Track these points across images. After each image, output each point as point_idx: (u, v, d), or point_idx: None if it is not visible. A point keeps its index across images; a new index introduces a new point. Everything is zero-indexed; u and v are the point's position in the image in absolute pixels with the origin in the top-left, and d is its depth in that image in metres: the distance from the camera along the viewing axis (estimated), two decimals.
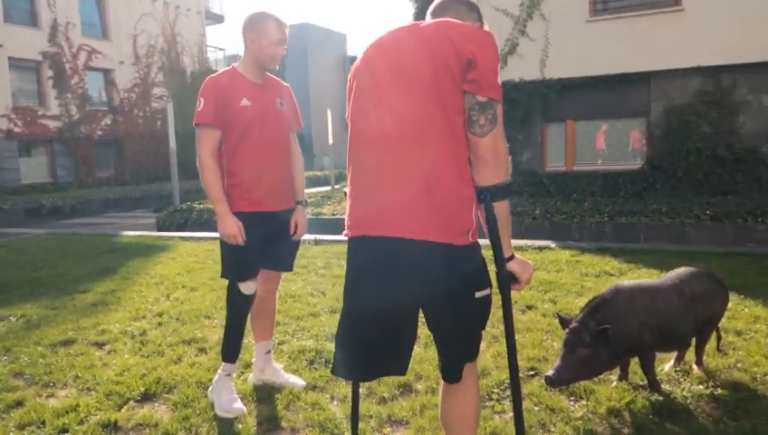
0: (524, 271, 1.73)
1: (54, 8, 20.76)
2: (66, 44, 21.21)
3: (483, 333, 1.81)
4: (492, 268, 1.75)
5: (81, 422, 2.70)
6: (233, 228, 2.72)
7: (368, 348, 1.78)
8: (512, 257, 1.72)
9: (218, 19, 30.58)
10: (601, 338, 2.47)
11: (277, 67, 2.83)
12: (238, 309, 2.88)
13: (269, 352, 3.13)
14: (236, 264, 2.83)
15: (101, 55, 22.33)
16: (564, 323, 2.63)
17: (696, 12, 9.93)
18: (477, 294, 1.72)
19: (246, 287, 2.84)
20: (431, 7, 1.90)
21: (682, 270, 2.94)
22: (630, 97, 10.73)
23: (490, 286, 1.76)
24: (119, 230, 10.43)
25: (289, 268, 3.10)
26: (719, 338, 3.06)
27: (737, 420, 2.47)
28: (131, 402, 2.91)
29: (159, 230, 10.64)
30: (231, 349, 2.90)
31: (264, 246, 2.86)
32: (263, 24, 2.73)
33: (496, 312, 1.82)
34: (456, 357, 1.77)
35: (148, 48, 24.11)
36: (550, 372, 2.46)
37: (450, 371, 1.79)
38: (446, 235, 1.63)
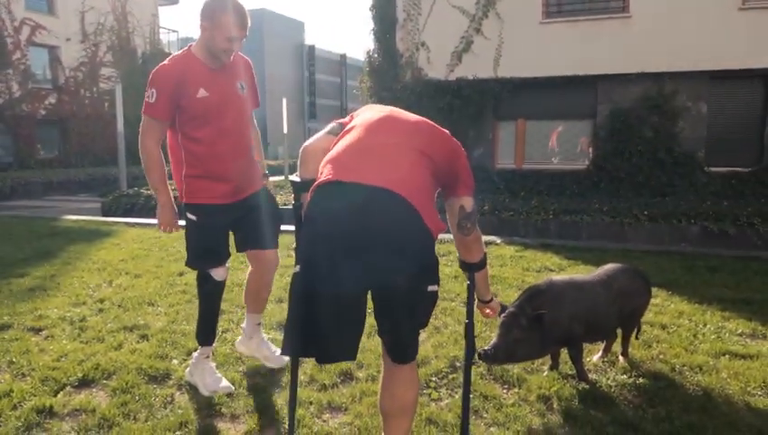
0: (496, 308, 2.47)
1: None
2: (8, 18, 20.20)
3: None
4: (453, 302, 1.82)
5: (14, 408, 2.66)
6: (168, 217, 2.73)
7: (323, 326, 1.75)
8: (491, 300, 2.40)
9: (172, 0, 29.75)
10: (536, 322, 2.61)
11: (228, 60, 2.68)
12: (208, 295, 2.89)
13: (260, 323, 3.16)
14: (203, 252, 2.82)
15: (46, 31, 21.36)
16: (502, 310, 2.74)
17: (642, 20, 10.33)
18: (429, 288, 1.80)
19: (216, 274, 2.85)
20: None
21: (610, 266, 3.12)
22: (578, 99, 11.09)
23: (438, 284, 1.86)
24: (61, 214, 10.10)
25: (272, 245, 2.99)
26: (638, 330, 3.25)
27: (654, 407, 2.65)
28: (68, 388, 2.88)
29: (104, 215, 10.36)
30: (206, 333, 2.93)
31: (237, 230, 2.90)
32: (220, 17, 2.53)
33: (440, 303, 1.91)
34: (404, 338, 1.85)
35: (97, 26, 23.19)
36: (486, 348, 2.58)
37: (399, 350, 1.86)
38: (426, 216, 1.74)
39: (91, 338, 3.57)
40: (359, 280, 1.71)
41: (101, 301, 4.37)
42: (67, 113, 22.19)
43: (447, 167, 1.94)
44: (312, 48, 45.62)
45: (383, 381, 1.94)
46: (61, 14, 22.15)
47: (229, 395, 2.79)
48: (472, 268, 2.16)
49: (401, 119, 1.98)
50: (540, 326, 2.61)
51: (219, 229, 2.83)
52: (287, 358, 2.92)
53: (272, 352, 3.13)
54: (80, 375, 2.98)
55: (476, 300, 2.36)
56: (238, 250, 3.03)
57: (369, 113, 2.02)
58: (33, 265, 5.56)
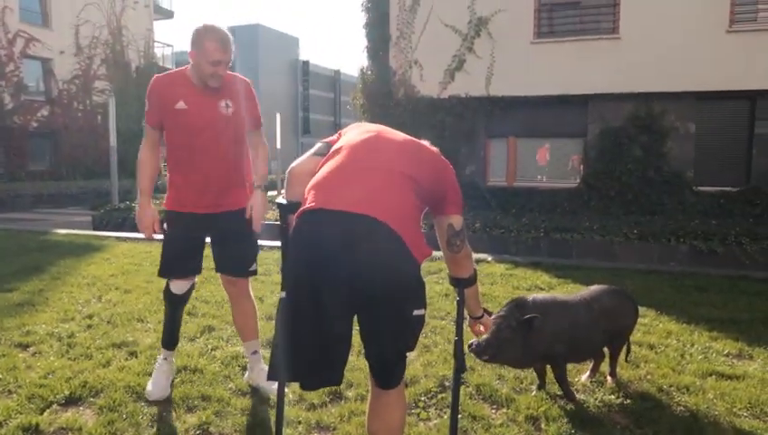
0: (488, 324, 2.51)
1: None
2: (2, 30, 20.26)
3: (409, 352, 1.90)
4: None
5: (0, 426, 2.63)
6: (144, 221, 2.85)
7: (308, 353, 1.78)
8: (482, 315, 2.41)
9: (167, 14, 29.93)
10: (527, 325, 2.66)
11: (218, 85, 2.80)
12: (169, 304, 3.05)
13: (255, 352, 3.15)
14: (163, 261, 2.97)
15: (40, 43, 21.42)
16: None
17: (631, 41, 10.51)
18: (415, 312, 1.80)
19: (174, 286, 2.97)
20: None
21: (594, 287, 3.15)
22: (569, 118, 11.23)
23: (425, 309, 1.87)
24: (51, 227, 10.05)
25: (241, 273, 3.05)
26: (629, 351, 3.27)
27: (642, 428, 2.66)
28: (55, 406, 2.86)
29: (95, 229, 10.33)
30: (166, 337, 3.10)
31: (213, 249, 2.99)
32: (203, 42, 2.70)
33: (429, 322, 1.92)
34: (389, 363, 1.85)
35: (92, 39, 23.32)
36: (476, 341, 2.61)
37: (384, 375, 1.86)
38: (410, 241, 1.74)
39: (79, 355, 3.54)
40: (343, 306, 1.74)
41: (90, 317, 4.35)
42: (59, 126, 22.18)
43: (434, 186, 1.94)
44: (306, 64, 45.89)
45: (370, 404, 1.94)
46: (55, 26, 22.25)
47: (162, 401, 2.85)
48: (461, 284, 2.15)
49: (387, 139, 1.98)
50: (528, 331, 2.66)
51: (184, 239, 2.91)
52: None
53: (263, 385, 3.06)
54: (67, 393, 2.96)
55: (468, 317, 2.37)
56: (216, 271, 3.11)
57: (356, 133, 2.01)
58: (22, 280, 5.52)
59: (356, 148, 1.92)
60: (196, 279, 3.14)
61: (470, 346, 2.59)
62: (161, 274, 3.01)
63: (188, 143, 2.82)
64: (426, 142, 2.09)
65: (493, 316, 2.69)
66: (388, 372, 1.86)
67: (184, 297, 3.03)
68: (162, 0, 29.53)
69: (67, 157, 22.28)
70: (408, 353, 1.89)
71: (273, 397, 2.99)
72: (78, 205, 16.45)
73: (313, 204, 1.78)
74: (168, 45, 30.67)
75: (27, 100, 21.27)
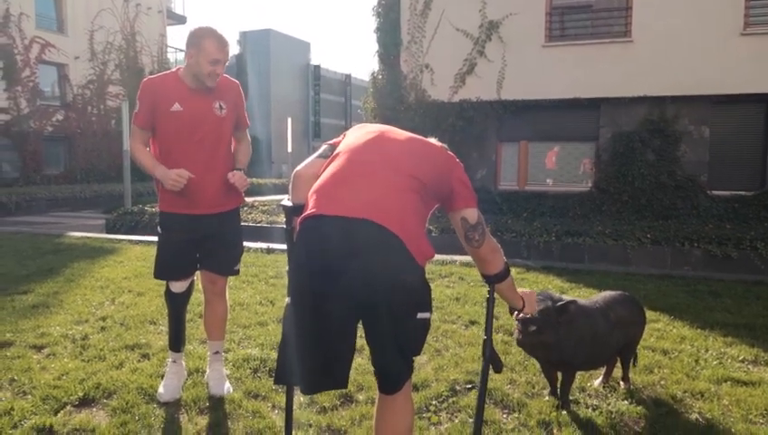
0: (532, 304, 2.33)
1: None
2: (18, 36, 20.50)
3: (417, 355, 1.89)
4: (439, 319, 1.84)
5: (14, 426, 2.66)
6: (171, 174, 2.76)
7: (313, 357, 1.80)
8: (524, 305, 2.25)
9: (180, 20, 30.14)
10: (563, 310, 2.64)
11: (214, 85, 2.83)
12: (170, 304, 3.07)
13: (216, 352, 3.16)
14: (163, 262, 2.99)
15: (55, 49, 21.67)
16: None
17: (643, 44, 10.44)
18: (419, 315, 1.80)
19: (173, 286, 3.01)
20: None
21: (607, 294, 3.12)
22: (581, 122, 11.17)
23: (431, 312, 1.86)
24: (65, 230, 10.15)
25: (225, 272, 3.09)
26: (635, 357, 3.25)
27: None
28: (69, 407, 2.88)
29: (108, 232, 10.40)
30: (171, 339, 3.11)
31: (198, 248, 2.97)
32: (202, 42, 2.73)
33: (440, 326, 1.90)
34: (391, 370, 1.84)
35: (106, 45, 23.53)
36: (523, 314, 2.54)
37: (387, 382, 1.86)
38: (411, 243, 1.74)
39: (92, 356, 3.57)
40: (346, 311, 1.76)
41: (104, 319, 4.38)
42: (74, 130, 22.41)
43: (440, 182, 1.92)
44: (317, 68, 46.07)
45: (377, 408, 1.94)
46: (70, 32, 22.49)
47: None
48: (491, 280, 2.06)
49: (390, 139, 1.96)
50: (565, 316, 2.64)
51: (180, 241, 2.93)
52: (226, 388, 3.03)
53: (212, 383, 3.08)
54: (80, 394, 2.99)
55: (514, 312, 2.38)
56: (197, 268, 3.08)
57: (359, 134, 2.00)
58: (37, 282, 5.58)
59: (358, 150, 1.92)
60: (195, 277, 3.14)
61: (518, 317, 2.55)
62: (157, 276, 3.04)
63: (184, 145, 2.84)
64: (432, 139, 2.08)
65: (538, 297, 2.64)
66: (392, 378, 1.85)
67: (185, 295, 3.06)
68: (175, 6, 29.80)
69: (81, 161, 22.49)
70: (414, 358, 1.88)
71: (222, 396, 2.99)
72: (92, 208, 16.59)
73: (315, 210, 1.79)
74: (181, 50, 30.84)
75: (42, 105, 21.50)
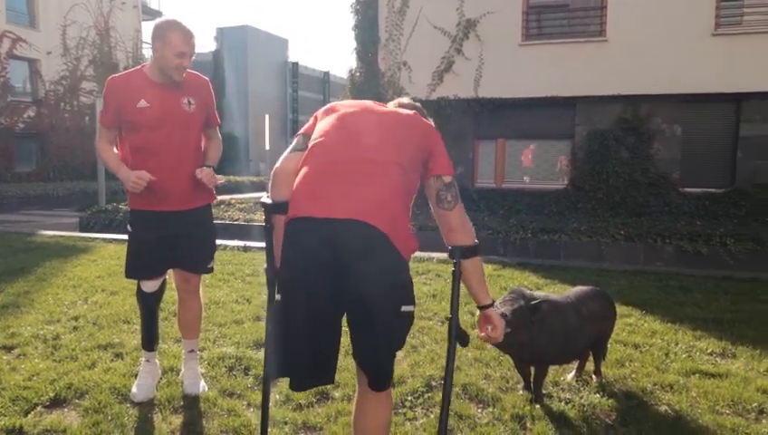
0: (499, 325, 2.06)
1: None
2: None
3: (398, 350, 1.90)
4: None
5: None
6: (131, 176, 2.73)
7: (301, 352, 1.82)
8: (492, 304, 2.03)
9: (155, 14, 29.70)
10: (536, 309, 2.70)
11: (180, 79, 2.80)
12: (142, 303, 3.04)
13: (192, 351, 3.14)
14: (129, 263, 2.96)
15: (27, 44, 21.22)
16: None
17: (618, 43, 10.59)
18: (404, 308, 1.81)
19: (145, 285, 2.98)
20: (397, 102, 2.22)
21: (579, 289, 3.17)
22: (557, 120, 11.29)
23: (414, 305, 1.88)
24: (37, 229, 9.95)
25: (198, 270, 3.06)
26: (605, 351, 3.31)
27: (626, 426, 2.69)
28: (39, 408, 2.84)
29: (82, 231, 10.23)
30: (144, 338, 3.08)
31: (170, 247, 2.91)
32: (167, 34, 2.71)
33: (417, 323, 1.91)
34: (383, 366, 1.85)
35: (79, 40, 23.10)
36: (504, 311, 2.66)
37: (380, 379, 1.86)
38: (397, 239, 1.77)
39: (64, 356, 3.52)
40: (334, 308, 1.80)
41: (76, 318, 4.32)
42: (46, 127, 21.96)
43: (420, 157, 1.93)
44: (295, 65, 45.80)
45: (357, 403, 1.94)
46: (42, 27, 22.04)
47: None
48: (459, 252, 1.92)
49: (368, 123, 1.94)
50: (538, 315, 2.69)
51: (150, 239, 2.89)
52: (201, 387, 3.02)
53: (187, 382, 3.07)
54: (51, 395, 2.94)
55: (478, 311, 2.20)
56: (169, 266, 3.04)
57: (332, 121, 1.96)
58: (7, 281, 5.47)
59: (335, 145, 1.89)
60: (167, 276, 3.10)
61: (503, 315, 2.58)
62: (128, 275, 3.00)
63: (152, 141, 2.79)
64: (406, 100, 2.12)
65: (496, 302, 2.65)
66: (384, 374, 1.86)
67: (157, 295, 3.02)
68: (150, 1, 29.38)
69: (54, 158, 22.05)
70: (396, 352, 1.90)
71: (197, 395, 2.98)
72: (65, 206, 16.30)
73: (302, 211, 1.80)
74: None
75: (14, 101, 21.04)
